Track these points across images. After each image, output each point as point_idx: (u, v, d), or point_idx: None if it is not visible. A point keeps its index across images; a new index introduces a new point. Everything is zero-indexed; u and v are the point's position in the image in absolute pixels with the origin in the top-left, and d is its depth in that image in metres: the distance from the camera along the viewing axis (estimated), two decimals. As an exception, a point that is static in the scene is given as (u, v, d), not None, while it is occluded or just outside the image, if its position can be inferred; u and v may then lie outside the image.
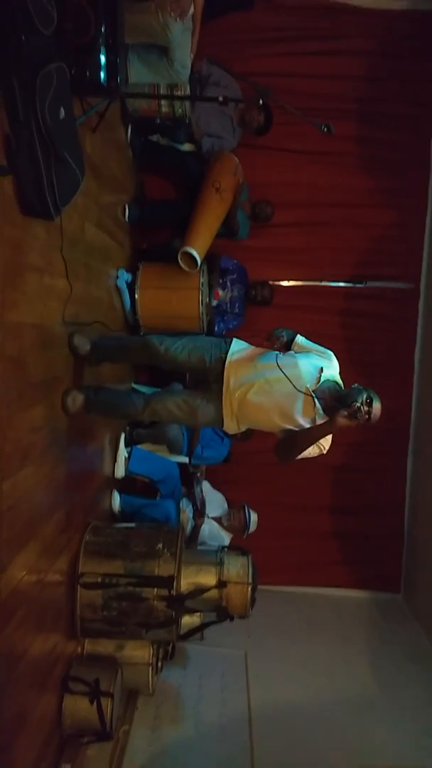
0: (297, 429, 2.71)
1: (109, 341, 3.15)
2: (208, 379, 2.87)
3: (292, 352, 2.85)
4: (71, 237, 2.70)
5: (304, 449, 2.70)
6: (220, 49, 4.40)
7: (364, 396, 2.49)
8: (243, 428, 2.88)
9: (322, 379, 2.67)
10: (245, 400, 2.72)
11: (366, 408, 2.48)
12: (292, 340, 2.91)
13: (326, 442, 2.71)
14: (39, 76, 1.97)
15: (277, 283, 4.98)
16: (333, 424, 2.55)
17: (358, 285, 5.13)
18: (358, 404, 2.46)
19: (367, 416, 2.49)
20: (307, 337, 2.95)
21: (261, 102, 3.40)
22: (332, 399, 2.61)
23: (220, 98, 2.97)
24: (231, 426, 2.85)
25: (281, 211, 4.77)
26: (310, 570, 5.27)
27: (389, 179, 4.95)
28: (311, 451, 2.72)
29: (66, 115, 2.18)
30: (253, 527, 4.24)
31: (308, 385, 2.65)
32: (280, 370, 2.66)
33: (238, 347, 2.88)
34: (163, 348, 2.89)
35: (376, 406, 2.51)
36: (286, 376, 2.64)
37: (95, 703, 2.82)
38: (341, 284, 5.13)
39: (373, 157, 4.94)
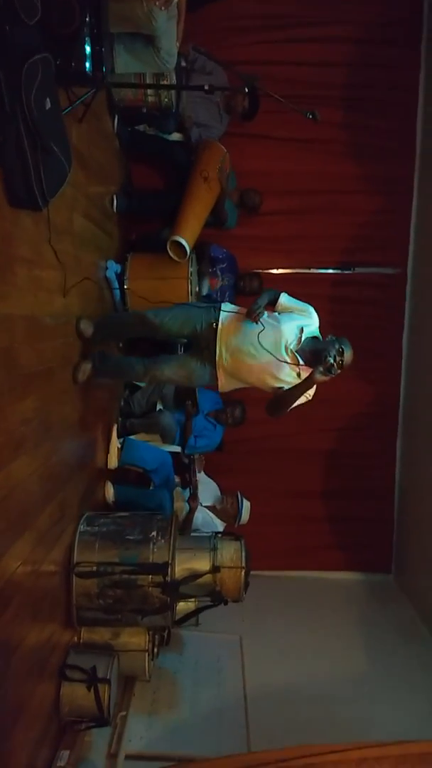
0: (285, 386, 3.01)
1: (108, 319, 3.51)
2: (200, 344, 3.13)
3: (276, 313, 3.09)
4: (59, 228, 2.70)
5: (292, 404, 3.03)
6: (205, 38, 4.38)
7: (337, 347, 2.83)
8: (238, 386, 3.19)
9: (303, 338, 2.96)
10: (236, 364, 3.04)
11: (339, 358, 2.82)
12: (276, 300, 3.11)
13: (311, 391, 3.00)
14: (24, 67, 1.97)
15: (266, 271, 4.99)
16: (312, 380, 2.87)
17: (346, 271, 5.16)
18: (332, 361, 2.79)
19: (341, 364, 2.83)
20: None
21: (246, 90, 3.39)
22: (311, 354, 2.93)
23: (206, 87, 2.96)
24: (226, 385, 3.17)
25: (269, 199, 4.77)
26: (303, 554, 5.33)
27: (376, 165, 4.97)
28: (300, 401, 3.03)
29: (52, 106, 2.18)
30: (245, 515, 4.25)
31: (291, 346, 2.95)
32: (262, 347, 2.95)
33: (226, 314, 3.11)
34: (158, 321, 3.16)
35: (347, 354, 2.84)
36: (270, 352, 2.94)
37: (92, 689, 2.84)
38: (330, 271, 5.17)
39: (359, 143, 4.95)
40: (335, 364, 2.80)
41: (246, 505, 4.28)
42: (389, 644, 4.46)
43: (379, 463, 5.39)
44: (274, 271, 5.08)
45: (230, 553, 3.20)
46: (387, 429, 5.35)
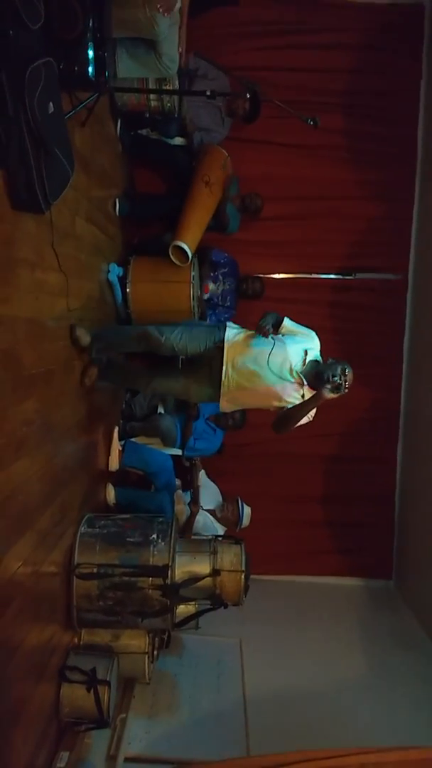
0: (289, 406, 3.08)
1: (108, 332, 3.42)
2: (204, 363, 3.15)
3: (280, 335, 3.13)
4: (62, 231, 2.72)
5: (298, 422, 3.09)
6: (206, 44, 4.41)
7: (340, 369, 2.92)
8: (238, 407, 3.32)
9: (307, 360, 3.05)
10: (241, 385, 3.06)
11: (343, 377, 2.91)
12: (279, 323, 3.16)
13: (312, 411, 3.09)
14: (27, 71, 1.99)
15: (267, 276, 5.01)
16: (320, 398, 2.95)
17: (347, 277, 5.18)
18: (338, 381, 2.89)
19: (346, 384, 2.93)
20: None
21: (248, 95, 3.42)
22: (315, 375, 3.00)
23: (208, 92, 2.98)
24: (227, 406, 3.21)
25: (271, 204, 4.79)
26: (303, 559, 5.32)
27: (377, 171, 4.99)
28: (302, 421, 3.11)
29: (55, 110, 2.20)
30: (246, 520, 4.26)
31: (296, 368, 3.02)
32: (269, 368, 3.01)
33: (232, 333, 3.12)
34: (163, 338, 3.14)
35: (350, 375, 2.94)
36: (274, 372, 3.01)
37: (92, 691, 2.85)
38: (331, 276, 5.18)
39: (360, 149, 4.97)
40: (342, 384, 2.90)
41: (246, 510, 4.29)
42: (389, 650, 4.44)
43: (379, 469, 5.38)
44: (276, 276, 5.10)
45: (230, 556, 3.21)
46: (388, 434, 5.35)
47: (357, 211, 5.04)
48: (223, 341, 3.08)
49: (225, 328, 3.16)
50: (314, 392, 3.00)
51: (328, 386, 2.89)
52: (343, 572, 5.39)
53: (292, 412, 3.07)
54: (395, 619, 4.89)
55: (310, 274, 5.15)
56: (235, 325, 3.21)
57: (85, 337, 3.06)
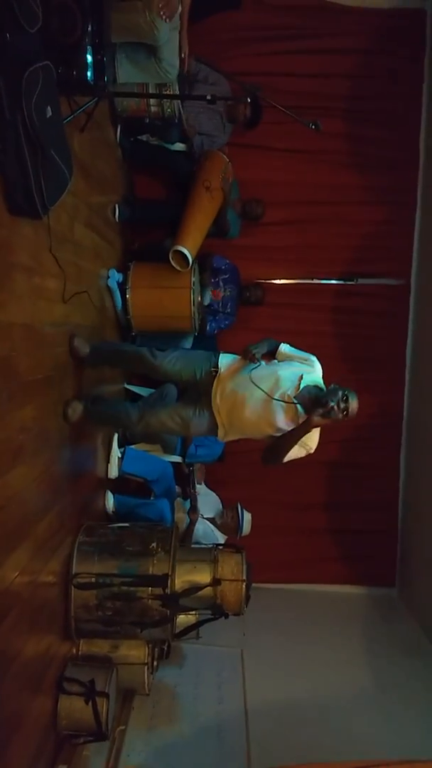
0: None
1: (106, 347, 3.32)
2: (198, 391, 3.02)
3: (275, 361, 3.01)
4: (60, 236, 2.69)
5: (288, 451, 2.85)
6: (208, 49, 4.39)
7: (340, 394, 2.70)
8: (238, 436, 3.03)
9: (302, 386, 2.82)
10: (232, 411, 2.90)
11: (343, 405, 2.68)
12: (274, 349, 3.04)
13: (312, 442, 2.88)
14: (25, 74, 1.97)
15: (268, 281, 4.99)
16: (309, 423, 2.73)
17: (349, 282, 5.14)
18: (332, 404, 2.66)
19: (344, 412, 2.69)
20: (293, 345, 3.09)
21: (249, 100, 3.40)
22: (311, 401, 2.77)
23: (209, 96, 2.96)
24: (227, 435, 3.02)
25: (272, 209, 4.76)
26: (305, 567, 5.28)
27: (379, 176, 4.97)
28: (297, 453, 2.88)
29: (53, 114, 2.18)
30: (246, 527, 4.21)
31: (289, 392, 2.80)
32: (255, 385, 2.83)
33: (225, 361, 3.00)
34: (158, 362, 3.04)
35: (353, 402, 2.70)
36: (264, 391, 2.82)
37: (91, 703, 2.81)
38: (333, 282, 5.15)
39: (362, 154, 4.95)
40: (335, 408, 2.66)
41: (247, 517, 4.24)
42: (392, 660, 4.39)
43: (382, 475, 5.34)
44: (277, 281, 5.07)
45: (231, 565, 3.17)
46: (390, 440, 5.31)
47: (359, 216, 5.02)
48: (217, 367, 2.97)
49: (218, 356, 3.04)
50: None
51: (320, 410, 2.67)
52: (346, 580, 5.35)
53: (281, 441, 2.85)
54: (399, 628, 4.84)
55: (312, 279, 5.12)
56: (229, 354, 3.07)
57: (84, 348, 3.00)
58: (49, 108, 2.14)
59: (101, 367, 3.34)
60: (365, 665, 4.32)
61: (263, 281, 4.92)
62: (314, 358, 3.01)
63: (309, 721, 3.70)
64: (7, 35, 1.91)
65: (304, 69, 4.77)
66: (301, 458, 2.91)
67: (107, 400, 3.34)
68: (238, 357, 3.02)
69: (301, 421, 2.78)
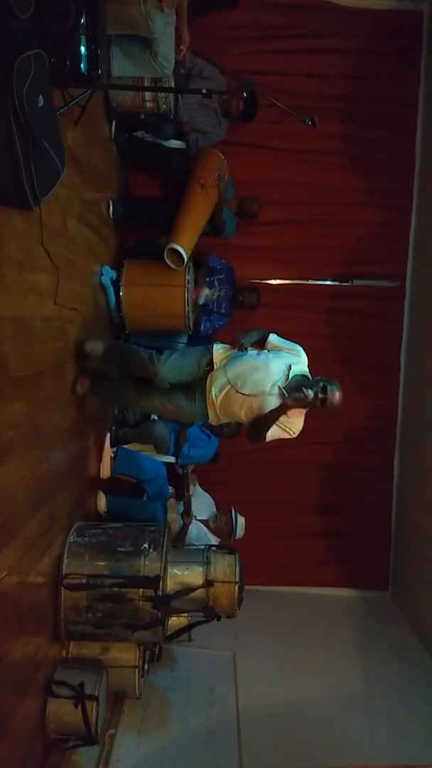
0: None
1: (120, 348, 3.51)
2: (194, 385, 3.18)
3: (264, 351, 3.17)
4: (52, 230, 2.65)
5: (265, 430, 3.04)
6: (205, 47, 4.35)
7: (320, 385, 2.94)
8: (226, 420, 3.26)
9: (291, 375, 3.03)
10: (225, 398, 3.06)
11: (321, 395, 2.91)
12: (264, 339, 3.20)
13: (293, 425, 3.08)
14: (16, 61, 1.92)
15: (264, 281, 4.96)
16: (284, 405, 2.95)
17: (344, 283, 5.12)
18: (309, 393, 2.89)
19: (323, 402, 2.92)
20: (282, 335, 3.26)
21: (245, 94, 3.37)
22: (296, 390, 2.96)
23: (204, 90, 2.93)
24: (216, 418, 3.20)
25: (268, 209, 4.73)
26: (298, 569, 5.24)
27: (375, 178, 4.95)
28: (280, 434, 3.08)
29: (45, 104, 2.13)
30: (240, 531, 4.17)
31: (279, 382, 3.00)
32: (250, 380, 3.02)
33: (219, 354, 3.17)
34: (156, 369, 3.19)
35: (332, 392, 2.93)
36: (254, 386, 3.00)
37: (80, 706, 2.76)
38: (328, 282, 5.12)
39: (358, 155, 4.94)
40: (310, 396, 2.88)
41: (240, 521, 4.20)
42: (385, 663, 4.36)
43: (376, 478, 5.31)
44: (272, 281, 5.04)
45: (224, 567, 3.13)
46: (385, 443, 5.29)
47: (355, 218, 5.00)
48: (211, 364, 3.14)
49: (212, 350, 3.20)
50: (300, 409, 3.01)
51: (295, 394, 2.90)
52: (339, 583, 5.32)
53: (260, 421, 3.04)
54: (391, 632, 4.82)
55: (307, 280, 5.10)
56: (221, 344, 3.24)
57: (98, 347, 3.21)
58: (41, 97, 2.09)
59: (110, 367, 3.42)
60: (358, 668, 4.29)
61: (258, 281, 4.89)
62: (300, 348, 3.19)
63: (301, 724, 3.66)
64: (-2, 20, 1.87)
65: (300, 69, 4.75)
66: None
67: (110, 379, 3.45)
68: (229, 347, 3.20)
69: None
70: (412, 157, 4.97)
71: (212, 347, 3.21)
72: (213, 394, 3.08)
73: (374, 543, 5.33)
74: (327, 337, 4.97)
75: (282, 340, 3.22)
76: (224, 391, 3.05)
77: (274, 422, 3.01)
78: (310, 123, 3.12)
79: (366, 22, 4.78)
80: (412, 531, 5.01)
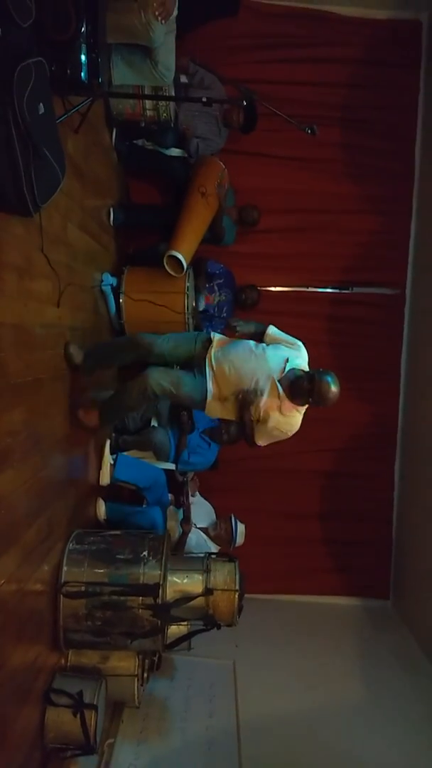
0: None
1: (99, 346, 3.33)
2: (193, 360, 3.09)
3: (263, 344, 3.07)
4: (53, 237, 2.65)
5: (251, 437, 3.00)
6: (204, 57, 4.38)
7: (311, 375, 2.84)
8: (225, 394, 3.04)
9: (287, 369, 2.94)
10: (222, 376, 2.97)
11: (307, 385, 2.81)
12: (263, 331, 3.14)
13: (288, 426, 2.98)
14: (17, 69, 1.93)
15: (264, 288, 4.96)
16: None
17: (344, 291, 5.13)
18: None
19: (308, 391, 2.82)
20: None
21: (244, 103, 3.38)
22: (289, 384, 2.90)
23: (204, 99, 2.94)
24: (216, 392, 3.02)
25: (268, 216, 4.74)
26: (299, 577, 5.22)
27: (375, 186, 4.97)
28: (277, 436, 3.01)
29: (45, 111, 2.14)
30: (240, 539, 4.15)
31: (275, 375, 2.92)
32: (245, 370, 2.94)
33: (218, 338, 3.12)
34: (150, 340, 3.10)
35: (320, 382, 2.80)
36: (249, 377, 2.93)
37: (79, 715, 2.74)
38: (328, 290, 5.13)
39: (358, 163, 4.95)
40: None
41: (240, 529, 4.18)
42: (387, 673, 4.33)
43: (377, 485, 5.30)
44: (272, 288, 5.04)
45: (224, 575, 3.11)
46: (385, 450, 5.27)
47: (354, 225, 5.01)
48: (210, 340, 3.07)
49: (211, 334, 3.16)
50: (296, 406, 2.93)
51: (247, 414, 2.91)
52: (340, 591, 5.29)
53: (240, 413, 2.99)
54: (393, 641, 4.78)
55: (307, 287, 5.11)
56: (220, 335, 3.19)
57: (78, 355, 3.01)
58: (41, 105, 2.10)
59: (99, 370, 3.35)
60: (359, 677, 4.26)
61: (258, 288, 4.89)
62: (301, 344, 3.10)
63: (302, 734, 3.63)
64: (-1, 29, 1.87)
65: (299, 77, 4.78)
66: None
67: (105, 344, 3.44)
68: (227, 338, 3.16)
69: (281, 401, 2.91)
70: (411, 165, 4.99)
71: (210, 332, 3.19)
72: (213, 360, 2.99)
73: (375, 551, 5.31)
74: (327, 344, 4.97)
75: (281, 333, 3.15)
76: (222, 366, 2.98)
77: (250, 435, 2.97)
78: (309, 132, 3.14)
79: (365, 31, 4.81)
80: (414, 539, 4.99)
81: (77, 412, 3.09)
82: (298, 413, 2.97)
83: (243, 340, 3.06)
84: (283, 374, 2.93)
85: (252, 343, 3.05)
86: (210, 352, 3.01)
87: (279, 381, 2.91)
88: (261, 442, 3.04)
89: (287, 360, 2.96)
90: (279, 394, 2.91)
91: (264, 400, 2.92)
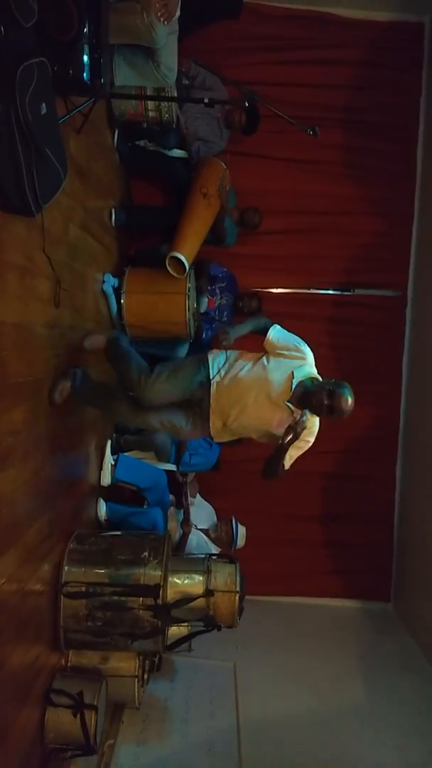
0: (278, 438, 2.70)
1: (88, 388, 2.97)
2: (191, 402, 2.87)
3: (263, 360, 2.81)
4: (54, 237, 2.65)
5: (278, 465, 2.75)
6: (206, 58, 4.38)
7: (328, 389, 2.57)
8: (232, 438, 2.96)
9: (293, 385, 2.69)
10: (227, 421, 2.81)
11: (327, 401, 2.55)
12: (264, 330, 2.86)
13: (311, 436, 2.76)
14: (19, 69, 1.93)
15: (265, 290, 4.96)
16: (282, 450, 2.64)
17: (346, 293, 5.12)
18: (304, 418, 2.54)
19: (328, 409, 2.57)
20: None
21: (246, 104, 3.38)
22: (299, 400, 2.66)
23: (206, 100, 2.95)
24: (218, 439, 2.96)
25: (269, 218, 4.74)
26: (299, 579, 5.21)
27: (376, 188, 4.96)
28: (297, 453, 2.80)
29: (48, 112, 2.14)
30: (241, 541, 4.15)
31: (282, 397, 2.69)
32: (254, 397, 2.72)
33: (216, 367, 2.82)
34: (141, 394, 2.82)
35: (342, 399, 2.56)
36: (260, 403, 2.71)
37: (79, 716, 2.73)
38: (329, 292, 5.13)
39: (360, 165, 4.95)
40: (300, 423, 2.55)
41: (241, 531, 4.18)
42: (387, 675, 4.32)
43: (378, 487, 5.29)
44: (274, 290, 5.04)
45: (224, 576, 3.10)
46: (387, 452, 5.26)
47: (356, 227, 5.01)
48: (209, 379, 2.80)
49: (207, 362, 2.86)
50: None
51: (290, 436, 2.57)
52: (341, 594, 5.28)
53: (271, 459, 2.76)
54: (394, 643, 4.77)
55: (309, 289, 5.10)
56: (219, 355, 2.88)
57: (61, 392, 2.74)
58: (44, 105, 2.10)
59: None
60: (359, 680, 4.25)
61: (260, 290, 4.89)
62: (304, 346, 2.83)
63: (302, 737, 3.63)
64: (1, 29, 1.88)
65: (302, 79, 4.77)
66: (297, 469, 2.91)
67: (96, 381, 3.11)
68: (226, 355, 2.88)
69: (295, 417, 2.64)
70: (413, 167, 4.99)
71: (207, 361, 2.87)
72: (215, 411, 2.80)
73: (376, 553, 5.29)
74: (328, 346, 4.96)
75: (284, 336, 2.85)
76: (225, 410, 2.78)
77: (282, 458, 2.71)
78: (311, 133, 3.14)
79: (367, 33, 4.80)
80: (415, 541, 4.98)
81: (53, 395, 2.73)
82: (314, 417, 2.72)
83: (241, 371, 2.78)
84: (291, 392, 2.69)
85: (247, 367, 2.79)
86: (211, 407, 2.80)
87: (289, 401, 2.69)
88: (288, 465, 2.83)
89: (291, 376, 2.71)
90: (291, 411, 2.69)
91: (276, 424, 2.74)
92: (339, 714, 3.92)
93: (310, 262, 5.02)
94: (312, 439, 2.80)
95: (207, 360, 2.87)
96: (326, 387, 2.60)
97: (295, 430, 2.58)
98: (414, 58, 4.87)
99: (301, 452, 2.81)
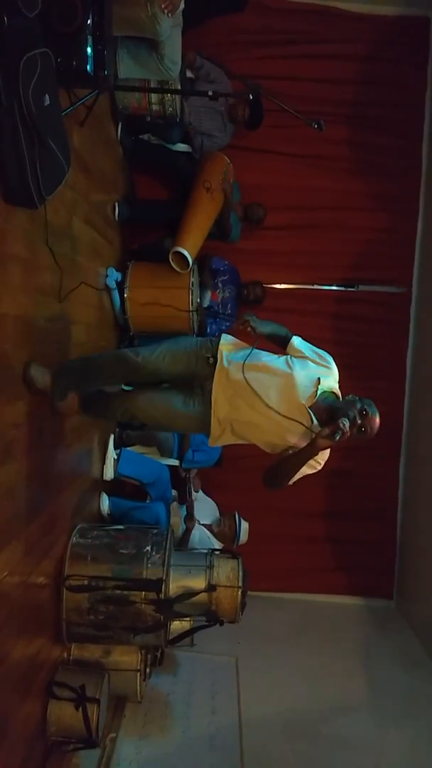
0: (289, 449, 2.45)
1: (72, 363, 2.74)
2: (192, 381, 2.57)
3: (288, 356, 2.52)
4: (57, 230, 2.65)
5: (294, 474, 2.45)
6: (210, 52, 4.37)
7: (359, 407, 2.31)
8: (232, 441, 2.59)
9: (318, 392, 2.38)
10: (233, 415, 2.45)
11: (360, 421, 2.29)
12: (285, 340, 2.57)
13: (322, 457, 2.44)
14: (22, 59, 1.92)
15: (269, 285, 4.95)
16: (314, 446, 2.30)
17: (350, 289, 5.11)
18: (345, 424, 2.22)
19: (362, 429, 2.31)
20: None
21: (251, 97, 3.37)
22: (327, 412, 2.35)
23: (210, 92, 2.93)
24: (216, 440, 2.59)
25: (274, 213, 4.73)
26: (302, 576, 5.20)
27: (381, 183, 4.95)
28: (306, 471, 2.46)
29: (51, 103, 2.13)
30: (243, 536, 4.14)
31: (303, 401, 2.37)
32: (272, 392, 2.40)
33: (227, 346, 2.54)
34: (141, 358, 2.52)
35: (373, 417, 2.33)
36: (276, 401, 2.38)
37: (81, 709, 2.73)
38: (334, 288, 5.11)
39: (365, 161, 4.94)
40: (346, 428, 2.21)
41: (244, 526, 4.18)
42: (389, 672, 4.32)
43: (381, 484, 5.28)
44: (278, 285, 5.03)
45: (227, 571, 3.10)
46: (390, 449, 5.25)
47: (360, 223, 4.99)
48: (216, 356, 2.49)
49: (219, 341, 2.55)
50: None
51: (327, 429, 2.22)
52: (343, 591, 5.27)
53: (285, 464, 2.44)
54: (396, 640, 4.77)
55: (313, 285, 5.09)
56: (231, 338, 2.61)
57: (42, 377, 2.39)
58: (47, 96, 2.09)
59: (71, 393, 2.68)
60: (361, 677, 4.25)
61: (263, 285, 4.87)
62: (330, 359, 2.54)
63: (304, 732, 3.63)
64: (5, 19, 1.86)
65: (306, 74, 4.77)
66: None
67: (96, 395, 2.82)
68: (239, 342, 2.60)
69: (313, 430, 2.34)
70: (418, 162, 4.97)
71: (218, 340, 2.56)
72: (217, 398, 2.43)
73: (379, 550, 5.29)
74: (332, 342, 4.92)
75: (308, 346, 2.56)
76: (238, 397, 2.41)
77: (302, 465, 2.40)
78: (316, 126, 3.13)
79: (372, 27, 4.80)
80: (418, 538, 4.97)
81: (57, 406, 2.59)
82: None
83: (263, 354, 2.51)
84: (316, 398, 2.38)
85: (274, 356, 2.51)
86: (216, 386, 2.45)
87: (311, 408, 2.37)
88: (294, 480, 2.51)
89: (318, 381, 2.40)
90: (312, 420, 2.36)
91: (294, 436, 2.41)
92: (340, 709, 3.93)
93: (314, 257, 5.00)
94: (323, 463, 2.49)
95: (219, 339, 2.58)
96: (356, 403, 2.33)
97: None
98: (419, 53, 4.87)
99: (313, 471, 2.50)
